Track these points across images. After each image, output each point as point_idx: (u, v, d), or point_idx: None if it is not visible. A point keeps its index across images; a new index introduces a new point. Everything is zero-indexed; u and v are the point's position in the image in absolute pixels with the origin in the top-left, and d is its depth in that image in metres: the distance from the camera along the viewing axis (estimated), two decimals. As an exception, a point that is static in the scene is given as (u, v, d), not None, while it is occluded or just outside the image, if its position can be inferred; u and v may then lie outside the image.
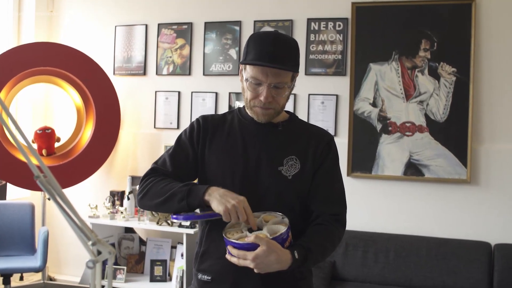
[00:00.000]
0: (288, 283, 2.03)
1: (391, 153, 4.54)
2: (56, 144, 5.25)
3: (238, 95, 4.99)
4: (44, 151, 5.09)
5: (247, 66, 1.98)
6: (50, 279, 5.59)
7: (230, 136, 2.11)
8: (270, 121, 2.07)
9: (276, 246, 1.82)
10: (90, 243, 1.48)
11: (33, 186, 4.87)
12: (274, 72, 1.94)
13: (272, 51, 1.93)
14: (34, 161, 1.44)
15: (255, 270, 1.82)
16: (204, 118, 2.16)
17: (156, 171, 2.10)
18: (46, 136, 5.12)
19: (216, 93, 5.08)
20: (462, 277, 4.19)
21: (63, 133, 5.37)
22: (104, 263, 1.52)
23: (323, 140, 2.10)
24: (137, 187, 4.86)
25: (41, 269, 4.54)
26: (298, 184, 2.04)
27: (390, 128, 4.54)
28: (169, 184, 1.99)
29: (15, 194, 5.30)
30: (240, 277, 1.99)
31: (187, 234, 4.59)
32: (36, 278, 5.52)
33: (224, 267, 1.97)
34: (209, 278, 2.07)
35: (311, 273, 2.16)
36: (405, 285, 4.22)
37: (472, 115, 4.34)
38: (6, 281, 4.59)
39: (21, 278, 5.44)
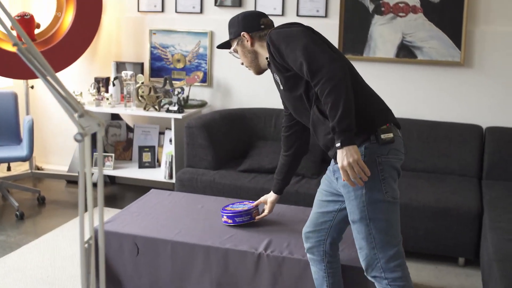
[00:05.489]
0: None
1: (384, 34, 4.40)
2: (36, 31, 5.05)
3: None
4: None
5: None
6: (38, 168, 5.56)
7: None
8: (259, 71, 2.58)
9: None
10: (76, 115, 1.38)
11: (15, 74, 4.72)
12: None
13: None
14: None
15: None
16: None
17: None
18: (24, 22, 4.91)
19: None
20: (453, 160, 4.19)
21: (43, 19, 5.15)
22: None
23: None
24: (127, 73, 4.72)
25: (28, 158, 4.47)
26: (288, 86, 2.36)
27: (382, 9, 4.37)
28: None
29: (-3, 83, 5.16)
30: None
31: (175, 119, 4.51)
32: (23, 168, 5.50)
33: None
34: None
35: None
36: (395, 167, 4.21)
37: (469, -7, 4.18)
38: (-7, 170, 4.55)
39: (9, 169, 5.41)
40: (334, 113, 2.03)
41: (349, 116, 2.02)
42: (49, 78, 1.36)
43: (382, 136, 2.16)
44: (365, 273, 2.28)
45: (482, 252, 3.30)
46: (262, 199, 2.97)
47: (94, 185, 5.20)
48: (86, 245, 1.20)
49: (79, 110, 1.34)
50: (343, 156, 2.04)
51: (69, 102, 1.36)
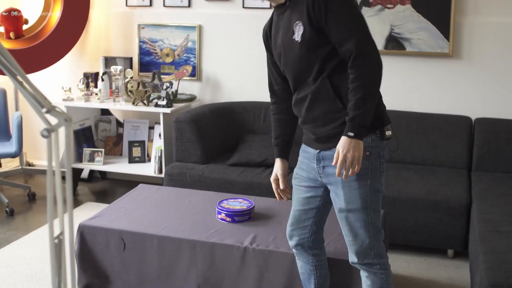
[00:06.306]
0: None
1: (372, 26, 4.31)
2: (24, 26, 5.02)
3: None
4: (12, 34, 4.87)
5: None
6: (29, 164, 5.54)
7: (274, 30, 2.37)
8: (278, 2, 2.26)
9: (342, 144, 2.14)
10: (44, 110, 1.37)
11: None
12: None
13: None
14: None
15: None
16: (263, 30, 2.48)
17: None
18: (13, 18, 4.89)
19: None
20: (442, 152, 4.18)
21: (31, 15, 5.12)
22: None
23: None
24: (116, 68, 4.70)
25: (17, 154, 4.46)
26: (309, 43, 2.17)
27: (370, 1, 4.36)
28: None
29: (-15, 78, 5.13)
30: None
31: (164, 114, 4.50)
32: (14, 164, 5.48)
33: None
34: None
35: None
36: (384, 159, 4.21)
37: (457, -16, 4.17)
38: (-18, 167, 4.53)
39: (-1, 165, 5.40)
40: (361, 104, 2.08)
41: (372, 114, 2.12)
42: (14, 71, 1.34)
43: (387, 133, 2.25)
44: (356, 261, 2.29)
45: (470, 244, 3.30)
46: (279, 178, 2.50)
47: (85, 180, 5.20)
48: (56, 240, 1.20)
49: (46, 106, 1.33)
50: (350, 147, 2.09)
51: (35, 98, 1.35)
